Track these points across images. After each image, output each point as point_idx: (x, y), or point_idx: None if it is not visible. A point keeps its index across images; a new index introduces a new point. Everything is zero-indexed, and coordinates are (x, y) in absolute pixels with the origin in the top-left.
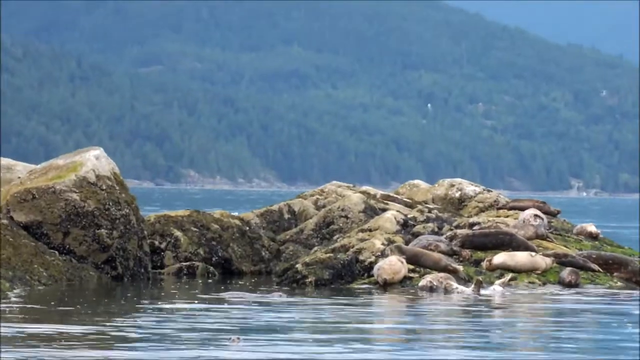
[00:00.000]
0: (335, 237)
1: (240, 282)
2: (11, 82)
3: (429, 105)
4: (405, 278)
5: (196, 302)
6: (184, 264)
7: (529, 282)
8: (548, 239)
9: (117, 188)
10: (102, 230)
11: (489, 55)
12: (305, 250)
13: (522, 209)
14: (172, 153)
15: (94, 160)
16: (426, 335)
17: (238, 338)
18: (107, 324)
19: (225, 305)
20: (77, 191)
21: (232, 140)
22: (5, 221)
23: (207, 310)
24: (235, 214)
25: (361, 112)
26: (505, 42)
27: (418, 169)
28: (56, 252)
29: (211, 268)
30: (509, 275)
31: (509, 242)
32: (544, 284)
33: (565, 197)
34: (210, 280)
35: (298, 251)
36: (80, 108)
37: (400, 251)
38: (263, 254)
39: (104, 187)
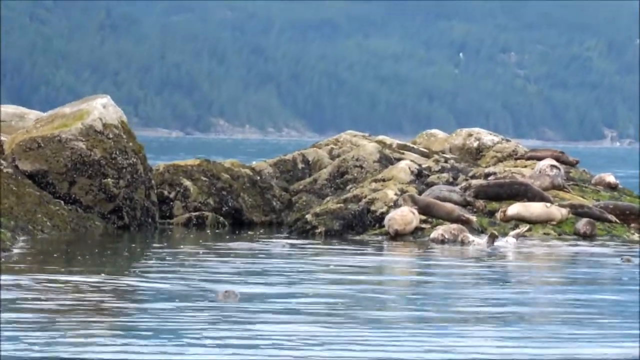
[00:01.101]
0: (348, 187)
1: (250, 232)
2: (41, 31)
3: (460, 54)
4: (417, 229)
5: (199, 250)
6: (194, 214)
7: (544, 233)
8: (565, 190)
9: (125, 137)
10: (109, 179)
11: (523, 4)
12: (318, 201)
13: (540, 159)
14: (201, 102)
15: (101, 109)
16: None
17: (227, 292)
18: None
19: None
20: (83, 140)
21: (262, 89)
22: (9, 170)
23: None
24: (254, 163)
25: (392, 62)
26: None
27: (450, 119)
28: (62, 201)
29: (221, 218)
30: (524, 227)
31: (524, 193)
32: (560, 235)
33: (598, 146)
34: (218, 231)
35: (311, 201)
36: (109, 57)
37: (413, 201)
38: (274, 204)
39: (111, 136)
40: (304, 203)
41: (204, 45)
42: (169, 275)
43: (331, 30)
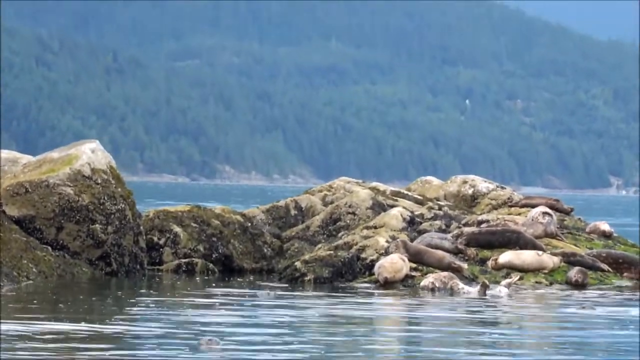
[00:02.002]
0: (340, 234)
1: (239, 279)
2: (47, 75)
3: (467, 101)
4: (407, 277)
5: (180, 299)
6: (183, 260)
7: (536, 282)
8: (558, 238)
9: (113, 182)
10: (97, 225)
11: (529, 51)
12: (311, 248)
13: (534, 206)
14: (207, 148)
15: (90, 153)
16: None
17: (210, 340)
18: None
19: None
20: (71, 185)
21: (268, 135)
22: None
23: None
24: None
25: (399, 108)
26: (546, 38)
27: (455, 166)
28: (49, 247)
29: (211, 265)
30: (516, 276)
31: (516, 241)
32: (551, 283)
33: (604, 194)
34: (207, 278)
35: (304, 248)
36: (115, 102)
37: (405, 247)
38: (265, 250)
39: (99, 181)
40: (296, 250)
41: (210, 90)
42: (152, 324)
43: (338, 76)
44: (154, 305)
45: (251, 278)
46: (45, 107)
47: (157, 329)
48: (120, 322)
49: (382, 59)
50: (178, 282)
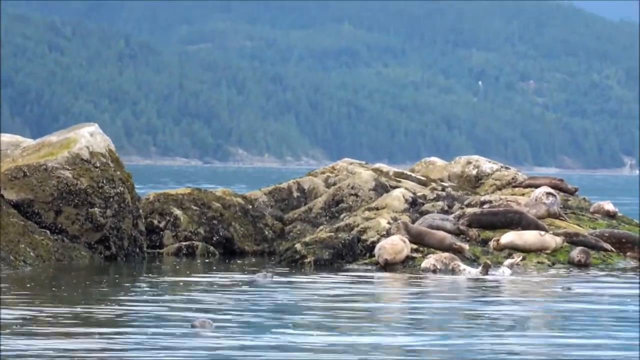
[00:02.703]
0: (341, 216)
1: (238, 262)
2: (60, 60)
3: (479, 82)
4: (408, 258)
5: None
6: (184, 243)
7: (538, 262)
8: (561, 218)
9: (112, 165)
10: (96, 208)
11: (541, 32)
12: (313, 230)
13: (537, 186)
14: (220, 131)
15: (88, 137)
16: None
17: (204, 322)
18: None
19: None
20: (69, 168)
21: (281, 118)
22: None
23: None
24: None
25: (412, 91)
26: (558, 19)
27: (468, 147)
28: (47, 231)
29: (211, 248)
30: (518, 257)
31: (518, 221)
32: (553, 264)
33: (617, 174)
34: (207, 260)
35: (306, 230)
36: (128, 86)
37: (406, 229)
38: (266, 233)
39: (98, 165)
40: (298, 232)
41: (222, 74)
42: (149, 305)
43: (350, 58)
44: (150, 287)
45: (253, 260)
46: (59, 91)
47: (153, 311)
48: (116, 306)
49: (395, 41)
50: (177, 266)
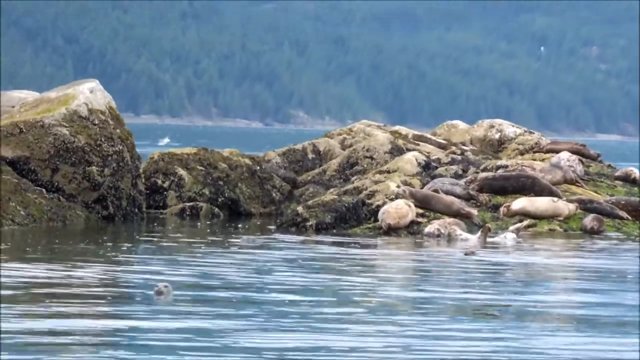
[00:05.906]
0: (352, 179)
1: (239, 225)
2: (123, 19)
3: (542, 48)
4: (413, 223)
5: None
6: (188, 204)
7: (549, 229)
8: (577, 184)
9: (112, 123)
10: (93, 167)
11: None
12: (325, 193)
13: (558, 151)
14: (281, 93)
15: (88, 93)
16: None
17: (166, 286)
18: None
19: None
20: (66, 125)
21: (342, 81)
22: None
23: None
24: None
25: (473, 55)
26: None
27: (530, 113)
28: (43, 189)
29: (216, 209)
30: (526, 222)
31: (531, 186)
32: (565, 231)
33: None
34: (210, 222)
35: (318, 193)
36: (190, 46)
37: (411, 193)
38: (274, 195)
39: (97, 122)
40: (310, 194)
41: (285, 35)
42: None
43: (412, 22)
44: (140, 250)
45: (258, 223)
46: (121, 50)
47: (138, 275)
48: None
49: (457, 5)
50: (173, 225)
